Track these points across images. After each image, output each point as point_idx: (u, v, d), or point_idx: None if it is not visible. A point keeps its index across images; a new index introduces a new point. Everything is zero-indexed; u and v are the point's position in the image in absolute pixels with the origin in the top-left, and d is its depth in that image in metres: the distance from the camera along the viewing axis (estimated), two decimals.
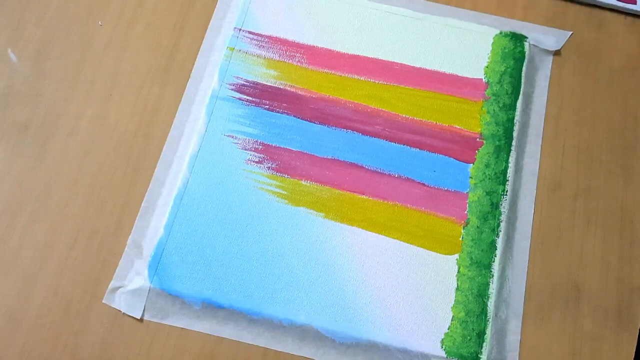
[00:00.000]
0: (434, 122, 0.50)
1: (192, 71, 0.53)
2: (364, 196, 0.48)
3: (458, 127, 0.50)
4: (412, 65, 0.52)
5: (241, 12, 0.54)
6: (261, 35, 0.54)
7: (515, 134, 0.50)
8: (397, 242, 0.47)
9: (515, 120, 0.50)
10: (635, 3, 0.54)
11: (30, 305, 0.45)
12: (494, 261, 0.46)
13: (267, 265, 0.46)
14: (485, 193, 0.48)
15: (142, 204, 0.48)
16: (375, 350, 0.44)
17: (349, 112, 0.51)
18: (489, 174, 0.49)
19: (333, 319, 0.44)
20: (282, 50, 0.53)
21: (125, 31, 0.54)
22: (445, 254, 0.46)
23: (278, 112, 0.51)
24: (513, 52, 0.52)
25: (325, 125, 0.50)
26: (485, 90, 0.51)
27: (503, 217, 0.47)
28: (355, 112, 0.51)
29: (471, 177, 0.49)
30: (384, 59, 0.53)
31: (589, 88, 0.52)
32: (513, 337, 0.45)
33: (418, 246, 0.47)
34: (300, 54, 0.53)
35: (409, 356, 0.44)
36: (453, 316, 0.45)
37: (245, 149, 0.50)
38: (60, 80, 0.52)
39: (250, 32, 0.54)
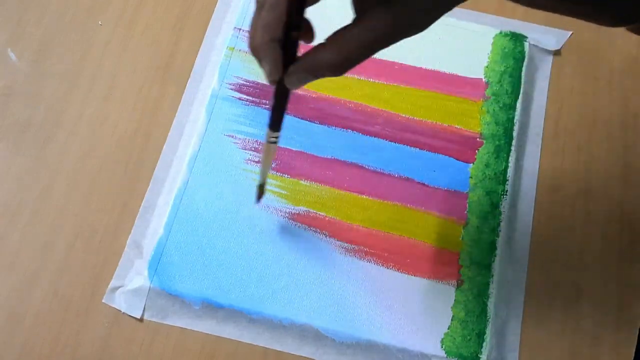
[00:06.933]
0: (434, 122, 0.50)
1: (192, 71, 0.53)
2: (364, 196, 0.48)
3: (458, 127, 0.50)
4: (412, 65, 0.52)
5: (241, 12, 0.54)
6: None
7: (515, 134, 0.50)
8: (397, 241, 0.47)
9: (515, 120, 0.50)
10: None
11: (30, 305, 0.45)
12: (494, 261, 0.46)
13: (267, 265, 0.46)
14: (485, 193, 0.48)
15: (142, 204, 0.48)
16: (375, 350, 0.44)
17: (349, 112, 0.51)
18: (488, 174, 0.48)
19: (333, 319, 0.44)
20: None
21: (125, 31, 0.54)
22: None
23: None
24: (513, 52, 0.52)
25: (325, 125, 0.50)
26: (485, 90, 0.51)
27: (503, 217, 0.47)
28: (355, 112, 0.51)
29: (471, 177, 0.49)
30: (384, 59, 0.53)
31: (589, 88, 0.52)
32: (513, 337, 0.45)
33: (418, 246, 0.47)
34: (300, 53, 0.53)
35: (409, 356, 0.44)
36: (453, 316, 0.45)
37: (245, 149, 0.50)
38: (60, 80, 0.52)
39: None
